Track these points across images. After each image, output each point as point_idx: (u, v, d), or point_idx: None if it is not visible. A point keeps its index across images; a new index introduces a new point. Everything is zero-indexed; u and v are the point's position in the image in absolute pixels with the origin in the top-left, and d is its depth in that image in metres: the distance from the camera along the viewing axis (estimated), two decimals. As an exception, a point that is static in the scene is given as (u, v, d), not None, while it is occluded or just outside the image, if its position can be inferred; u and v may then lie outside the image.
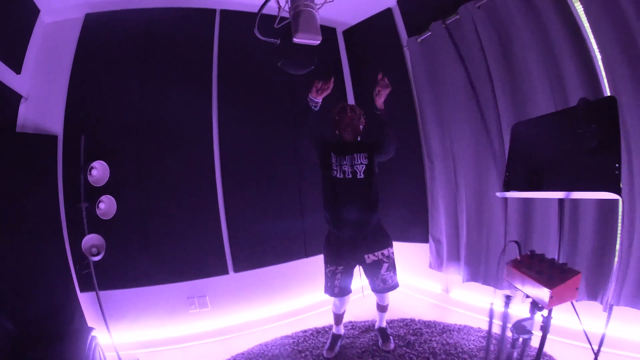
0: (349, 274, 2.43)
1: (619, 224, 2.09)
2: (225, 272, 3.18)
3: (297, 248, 3.46)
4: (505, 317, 1.48)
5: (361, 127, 2.48)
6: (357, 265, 2.44)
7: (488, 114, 2.69)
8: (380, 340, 2.69)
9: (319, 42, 1.85)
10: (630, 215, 2.00)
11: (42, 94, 2.75)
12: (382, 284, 2.39)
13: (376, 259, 2.38)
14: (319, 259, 3.45)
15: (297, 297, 3.50)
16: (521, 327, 1.37)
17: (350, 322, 3.08)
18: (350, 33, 3.77)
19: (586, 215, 2.21)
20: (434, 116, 3.15)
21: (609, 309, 1.33)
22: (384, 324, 2.75)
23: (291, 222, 3.44)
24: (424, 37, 3.01)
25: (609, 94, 2.04)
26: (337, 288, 2.41)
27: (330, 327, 2.94)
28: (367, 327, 2.96)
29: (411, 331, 2.80)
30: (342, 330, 2.76)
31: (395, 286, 2.43)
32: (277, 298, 3.41)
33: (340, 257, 2.40)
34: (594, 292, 2.19)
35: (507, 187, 1.69)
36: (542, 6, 2.27)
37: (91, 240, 2.55)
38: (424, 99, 3.21)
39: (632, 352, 2.06)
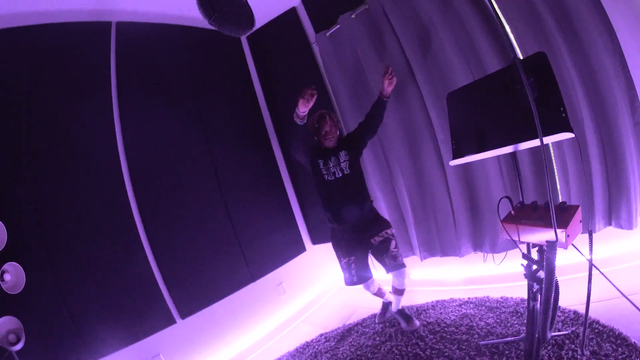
0: (363, 261, 2.57)
1: (555, 171, 2.35)
2: (173, 321, 2.72)
3: (242, 273, 3.16)
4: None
5: (337, 132, 2.59)
6: (369, 252, 2.57)
7: (409, 95, 2.77)
8: (403, 323, 2.59)
9: None
10: (562, 157, 2.27)
11: None
12: (393, 261, 2.45)
13: (382, 238, 2.49)
14: (267, 280, 3.30)
15: (257, 325, 3.20)
16: (537, 278, 1.37)
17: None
18: (254, 37, 3.61)
19: (525, 172, 2.42)
20: (352, 106, 3.15)
21: (589, 236, 1.41)
22: (400, 306, 2.70)
23: (228, 247, 3.12)
24: (332, 30, 3.00)
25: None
26: (356, 277, 2.54)
27: (303, 348, 2.78)
28: (340, 336, 2.80)
29: (387, 324, 2.74)
30: (389, 298, 2.80)
31: (404, 265, 2.48)
32: (237, 333, 3.06)
33: (350, 248, 2.54)
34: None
35: (459, 155, 1.73)
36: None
37: (5, 325, 1.94)
38: (339, 91, 3.20)
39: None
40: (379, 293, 2.78)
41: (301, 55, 3.36)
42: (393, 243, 2.49)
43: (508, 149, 1.55)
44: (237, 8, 1.86)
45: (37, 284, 2.23)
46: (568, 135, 1.32)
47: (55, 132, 2.50)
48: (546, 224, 1.32)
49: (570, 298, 2.12)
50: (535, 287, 1.41)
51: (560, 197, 2.35)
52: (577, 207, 1.32)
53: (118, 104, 2.78)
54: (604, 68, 2.05)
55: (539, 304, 1.46)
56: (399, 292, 2.60)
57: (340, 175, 2.50)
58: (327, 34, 3.04)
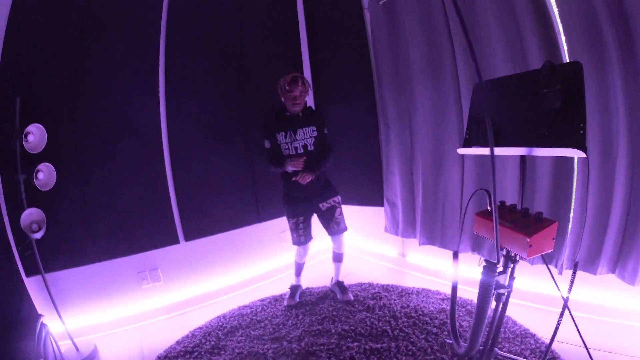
0: (309, 223, 2.76)
1: (574, 193, 2.19)
2: (176, 241, 3.03)
3: (250, 213, 3.38)
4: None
5: (306, 99, 2.59)
6: (314, 214, 2.76)
7: (446, 78, 2.68)
8: (339, 294, 2.83)
9: None
10: (585, 182, 2.10)
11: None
12: (337, 226, 2.72)
13: (329, 205, 2.69)
14: (273, 224, 3.48)
15: (253, 265, 3.45)
16: (497, 283, 1.37)
17: (308, 288, 3.10)
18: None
19: (543, 182, 2.30)
20: (390, 79, 3.11)
21: (574, 267, 1.38)
22: (340, 277, 2.95)
23: (243, 188, 3.34)
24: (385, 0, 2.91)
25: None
26: (302, 237, 2.73)
27: (287, 295, 2.95)
28: (324, 294, 2.97)
29: (370, 295, 2.84)
30: (301, 282, 3.02)
31: (346, 228, 2.77)
32: (232, 267, 3.33)
33: (299, 210, 2.69)
34: (549, 256, 2.31)
35: (468, 144, 1.71)
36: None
37: (31, 215, 2.26)
38: (381, 62, 3.15)
39: (583, 312, 2.17)
40: (301, 268, 2.95)
41: (352, 18, 3.32)
42: (338, 210, 2.72)
43: (519, 151, 1.51)
44: None
45: (65, 188, 2.55)
46: (579, 153, 1.26)
47: (103, 64, 2.71)
48: (515, 227, 1.31)
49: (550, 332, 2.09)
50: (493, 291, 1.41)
51: (570, 224, 2.22)
52: (553, 221, 1.28)
53: (165, 44, 2.94)
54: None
55: (495, 309, 1.47)
56: (338, 257, 2.89)
57: (303, 151, 2.54)
58: (381, 2, 2.96)
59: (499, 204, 1.56)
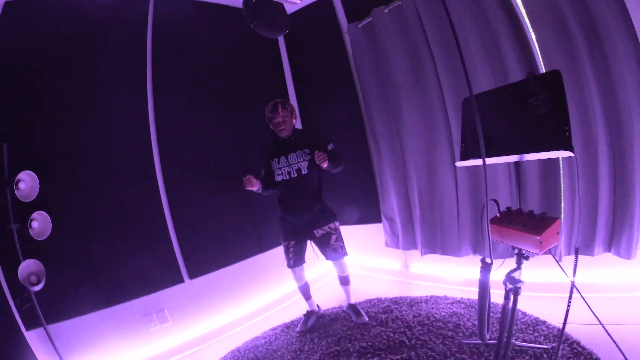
0: (301, 247, 2.75)
1: (561, 187, 2.35)
2: (181, 280, 2.99)
3: (251, 244, 3.39)
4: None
5: (294, 121, 2.64)
6: (308, 240, 2.75)
7: (431, 94, 2.81)
8: (353, 317, 2.80)
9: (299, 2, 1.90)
10: (571, 175, 2.27)
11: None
12: (333, 253, 2.69)
13: (324, 232, 2.67)
14: (275, 252, 3.48)
15: (259, 294, 3.42)
16: (512, 278, 1.49)
17: (318, 309, 3.10)
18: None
19: (533, 181, 2.44)
20: (377, 99, 3.23)
21: (575, 252, 1.50)
22: (352, 300, 2.92)
23: (243, 220, 3.35)
24: (364, 22, 3.05)
25: (544, 71, 2.26)
26: (292, 260, 2.72)
27: (298, 320, 2.95)
28: (335, 315, 2.97)
29: (381, 310, 2.87)
30: (314, 306, 2.99)
31: (344, 254, 2.74)
32: (240, 299, 3.30)
33: (293, 234, 2.70)
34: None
35: (465, 157, 1.82)
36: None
37: (28, 267, 2.21)
38: (365, 82, 3.27)
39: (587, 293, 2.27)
40: (305, 290, 2.90)
41: (332, 43, 3.44)
42: (334, 237, 2.68)
43: (512, 158, 1.63)
44: (276, 15, 2.03)
45: (62, 234, 2.49)
46: (567, 153, 1.38)
47: (94, 98, 2.71)
48: (525, 229, 1.42)
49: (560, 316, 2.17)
50: (508, 286, 1.52)
51: (563, 214, 2.36)
52: (556, 218, 1.41)
53: (152, 77, 2.98)
54: (626, 92, 2.02)
55: (511, 304, 1.56)
56: (344, 280, 2.88)
57: (296, 175, 2.58)
58: (359, 25, 3.09)
59: (505, 209, 1.66)
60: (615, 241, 2.24)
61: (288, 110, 2.56)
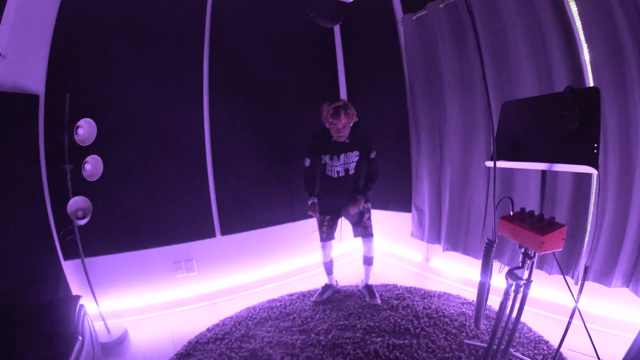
0: (334, 223, 2.90)
1: (591, 207, 2.29)
2: (213, 235, 3.20)
3: (284, 212, 3.55)
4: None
5: (352, 123, 2.62)
6: (341, 217, 2.90)
7: (476, 94, 2.81)
8: (367, 297, 2.90)
9: None
10: (603, 196, 2.21)
11: (22, 51, 2.45)
12: (364, 230, 2.85)
13: (359, 210, 2.76)
14: (306, 224, 3.62)
15: (284, 261, 3.60)
16: (514, 275, 1.54)
17: (336, 284, 3.20)
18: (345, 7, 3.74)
19: (564, 194, 2.40)
20: (423, 92, 3.25)
21: (584, 271, 1.51)
22: (369, 281, 3.02)
23: (279, 188, 3.52)
24: (419, 15, 3.07)
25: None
26: (325, 234, 2.87)
27: (315, 291, 3.07)
28: (351, 292, 3.08)
29: (394, 295, 2.95)
30: (333, 281, 3.11)
31: (372, 234, 2.88)
32: (264, 262, 3.48)
33: (328, 210, 2.83)
34: (567, 267, 2.40)
35: (494, 158, 1.85)
36: (537, 1, 2.34)
37: (77, 203, 2.41)
38: (414, 75, 3.30)
39: (596, 325, 2.19)
40: (329, 266, 3.03)
41: (386, 33, 3.49)
42: (367, 215, 2.84)
43: (541, 166, 1.65)
44: (334, 5, 2.14)
45: (110, 179, 2.68)
46: (592, 170, 1.38)
47: (149, 65, 2.90)
48: (532, 228, 1.48)
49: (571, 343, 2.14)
50: (509, 282, 1.57)
51: (588, 235, 2.31)
52: (563, 225, 1.46)
53: (209, 46, 3.13)
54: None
55: (510, 303, 1.63)
56: (368, 260, 2.97)
57: (344, 174, 2.71)
58: (414, 17, 3.11)
59: (519, 210, 1.70)
60: (635, 277, 2.13)
61: (349, 116, 2.54)
